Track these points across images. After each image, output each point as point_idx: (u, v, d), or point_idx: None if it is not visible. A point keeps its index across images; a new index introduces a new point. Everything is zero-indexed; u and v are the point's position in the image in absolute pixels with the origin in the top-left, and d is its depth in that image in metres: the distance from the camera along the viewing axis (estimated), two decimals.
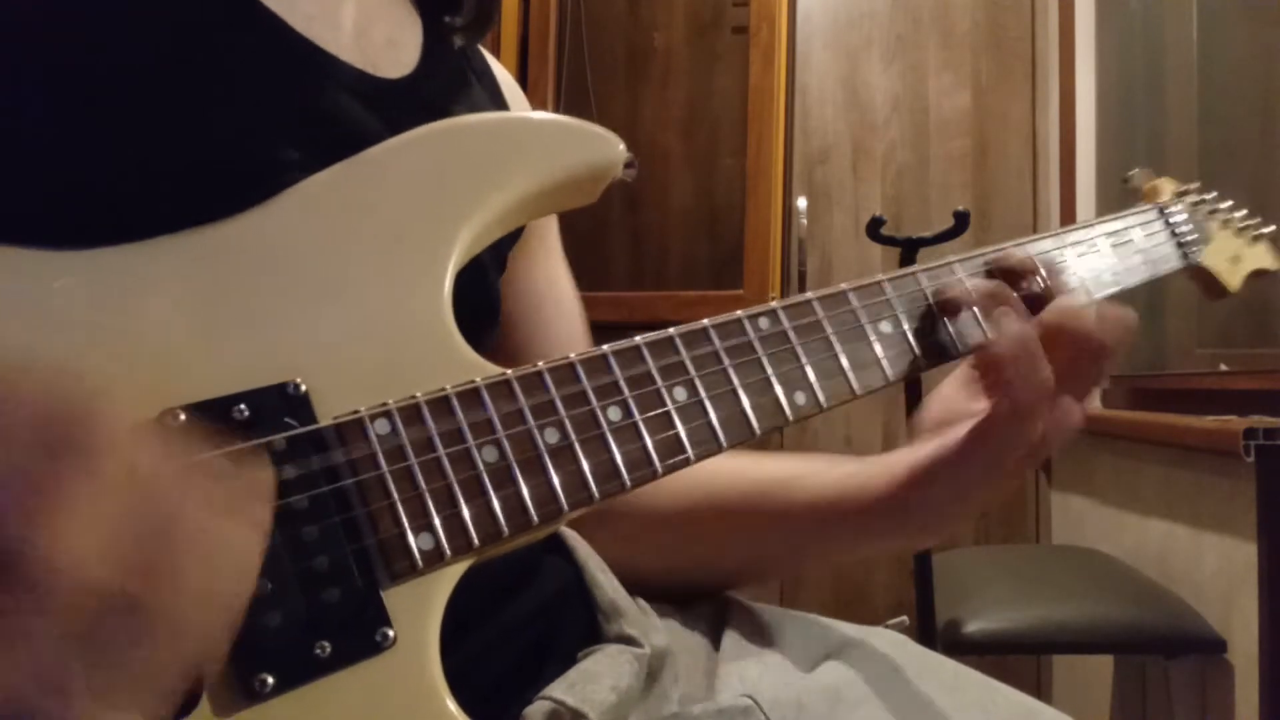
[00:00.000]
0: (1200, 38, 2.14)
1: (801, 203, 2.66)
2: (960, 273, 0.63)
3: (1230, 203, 0.82)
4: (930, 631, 1.67)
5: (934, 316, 0.61)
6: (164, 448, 0.34)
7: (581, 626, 0.62)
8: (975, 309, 0.61)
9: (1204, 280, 0.80)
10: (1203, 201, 0.80)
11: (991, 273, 0.63)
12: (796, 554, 0.73)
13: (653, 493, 0.69)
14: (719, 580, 0.73)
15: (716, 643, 0.67)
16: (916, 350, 0.59)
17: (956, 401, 0.64)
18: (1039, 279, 0.63)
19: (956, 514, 0.64)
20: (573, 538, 0.66)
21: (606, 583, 0.64)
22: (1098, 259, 0.69)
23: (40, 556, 0.29)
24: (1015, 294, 0.61)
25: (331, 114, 0.54)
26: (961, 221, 1.70)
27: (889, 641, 0.68)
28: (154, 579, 0.31)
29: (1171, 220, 0.77)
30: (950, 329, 0.61)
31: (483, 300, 0.63)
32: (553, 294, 0.75)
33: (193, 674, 0.33)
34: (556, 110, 2.51)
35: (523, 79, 2.69)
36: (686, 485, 0.69)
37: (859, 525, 0.67)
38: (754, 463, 0.72)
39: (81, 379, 0.32)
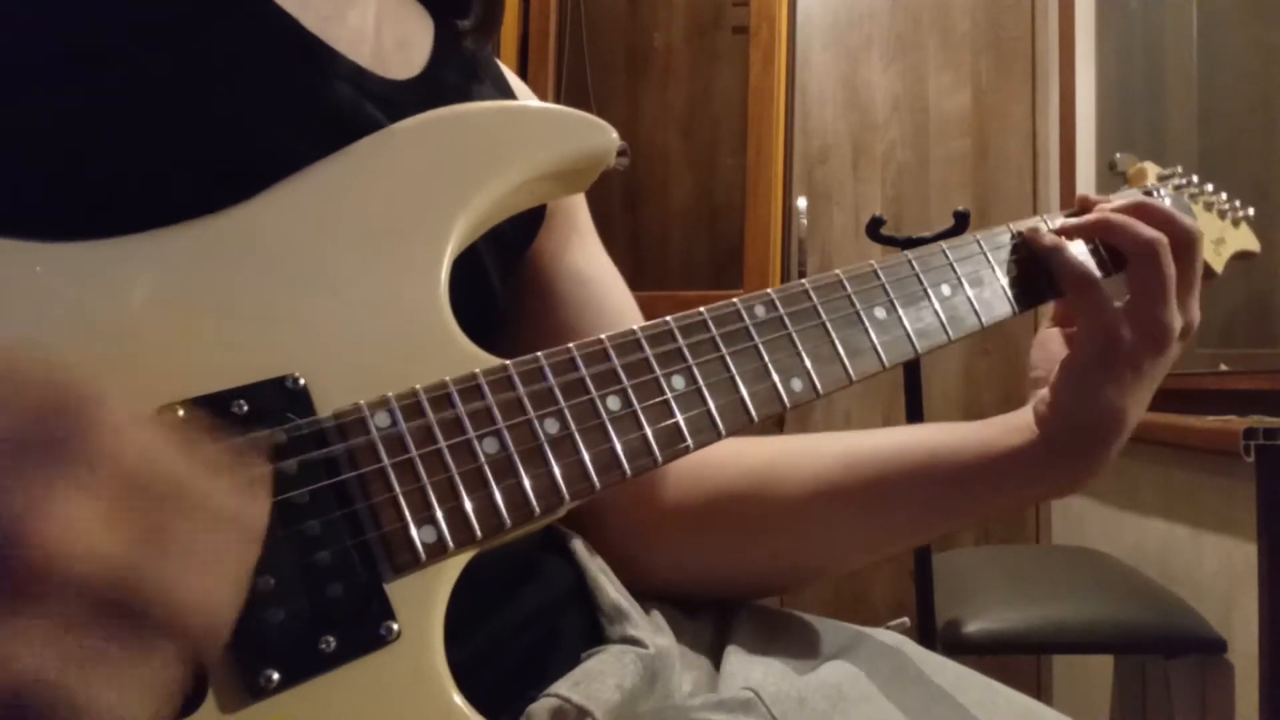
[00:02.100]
0: (1200, 38, 2.14)
1: (801, 203, 2.66)
2: (985, 246, 0.66)
3: (1211, 186, 0.82)
4: (930, 631, 1.67)
5: (926, 301, 0.61)
6: (160, 433, 0.34)
7: (584, 629, 0.61)
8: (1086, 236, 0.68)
9: None
10: (1185, 185, 0.81)
11: (1019, 245, 0.68)
12: (941, 517, 0.71)
13: (686, 479, 0.69)
14: (754, 583, 0.72)
15: (720, 644, 0.67)
16: (910, 335, 0.60)
17: (1053, 357, 0.68)
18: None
19: (1110, 422, 0.66)
20: (572, 539, 0.66)
21: (609, 585, 0.63)
22: (1084, 243, 0.69)
23: (35, 549, 0.29)
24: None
25: (339, 112, 0.54)
26: (961, 221, 1.70)
27: (889, 642, 0.68)
28: (152, 564, 0.31)
29: None
30: (941, 317, 0.61)
31: (482, 299, 0.63)
32: (595, 271, 0.74)
33: (195, 659, 0.33)
34: None
35: (522, 79, 2.68)
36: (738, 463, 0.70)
37: (1007, 477, 0.67)
38: (864, 436, 0.72)
39: (75, 367, 0.32)
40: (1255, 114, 2.04)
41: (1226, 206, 0.82)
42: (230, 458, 0.36)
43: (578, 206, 0.76)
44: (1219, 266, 0.81)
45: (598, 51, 2.81)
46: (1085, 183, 2.46)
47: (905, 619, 1.78)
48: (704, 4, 2.77)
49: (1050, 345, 0.71)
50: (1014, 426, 0.68)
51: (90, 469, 0.30)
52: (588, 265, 0.74)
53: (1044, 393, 0.67)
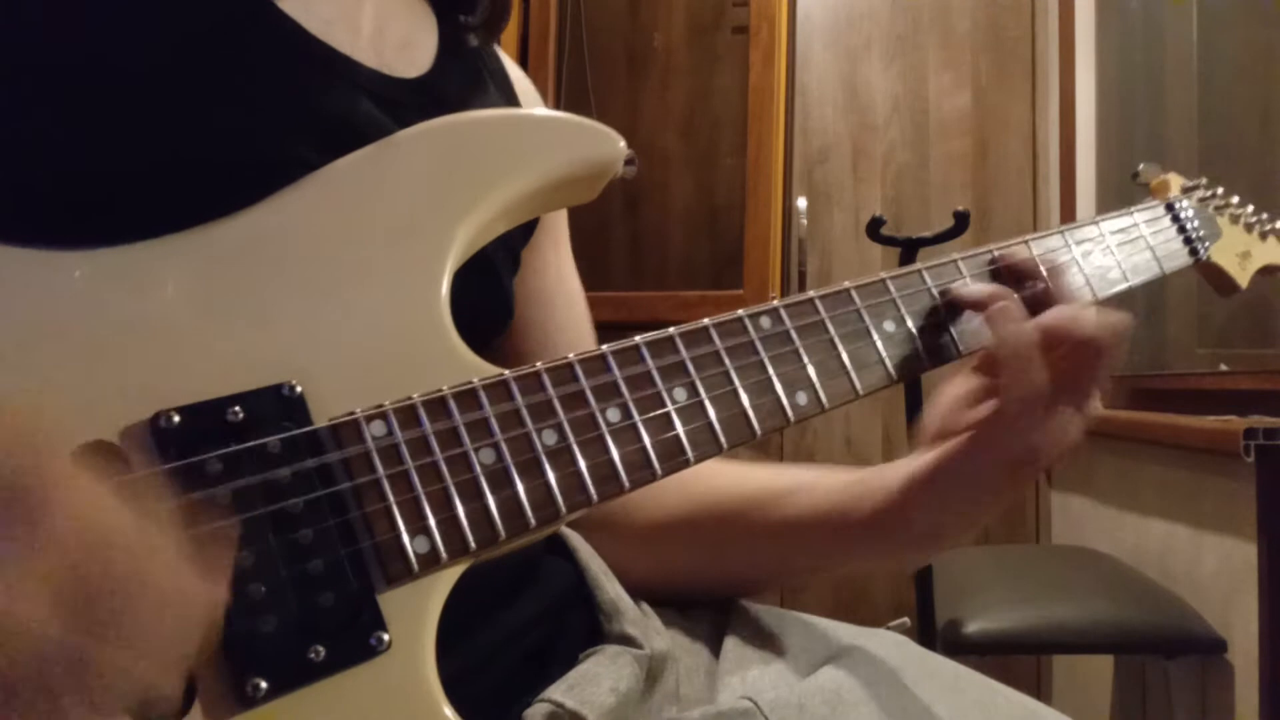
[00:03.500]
0: (1200, 38, 2.14)
1: (801, 203, 2.66)
2: (965, 271, 0.62)
3: (1238, 198, 0.80)
4: (930, 632, 1.67)
5: (938, 315, 0.60)
6: (113, 510, 0.35)
7: (583, 628, 0.61)
8: (977, 310, 0.60)
9: (1213, 276, 0.79)
10: (1211, 197, 0.79)
11: (996, 272, 0.63)
12: (793, 567, 0.72)
13: (648, 501, 0.69)
14: (715, 590, 0.72)
15: (718, 645, 0.67)
16: (920, 350, 0.59)
17: (954, 413, 0.63)
18: (1041, 281, 0.62)
19: (958, 528, 0.63)
20: (574, 539, 0.66)
21: (608, 584, 0.64)
22: (1105, 256, 0.68)
23: None
24: (1016, 295, 0.60)
25: (344, 114, 0.54)
26: (961, 221, 1.70)
27: (889, 643, 0.67)
28: (97, 635, 0.32)
29: (1180, 216, 0.76)
30: (952, 330, 0.60)
31: (495, 301, 0.63)
32: (564, 295, 0.74)
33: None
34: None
35: None
36: (682, 495, 0.69)
37: (856, 540, 0.66)
38: (750, 473, 0.71)
39: (35, 423, 0.33)
40: (1255, 114, 2.04)
41: (1254, 219, 0.81)
42: (189, 519, 0.37)
43: (560, 216, 0.76)
44: (1244, 281, 0.79)
45: (598, 51, 2.81)
46: (1085, 182, 2.46)
47: (905, 619, 1.78)
48: (704, 4, 2.77)
49: (963, 411, 0.62)
50: (868, 494, 0.64)
51: (41, 549, 0.31)
52: (559, 288, 0.74)
53: (933, 464, 0.61)
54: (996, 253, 0.64)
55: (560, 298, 0.74)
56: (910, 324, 0.59)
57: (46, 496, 0.32)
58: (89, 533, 0.33)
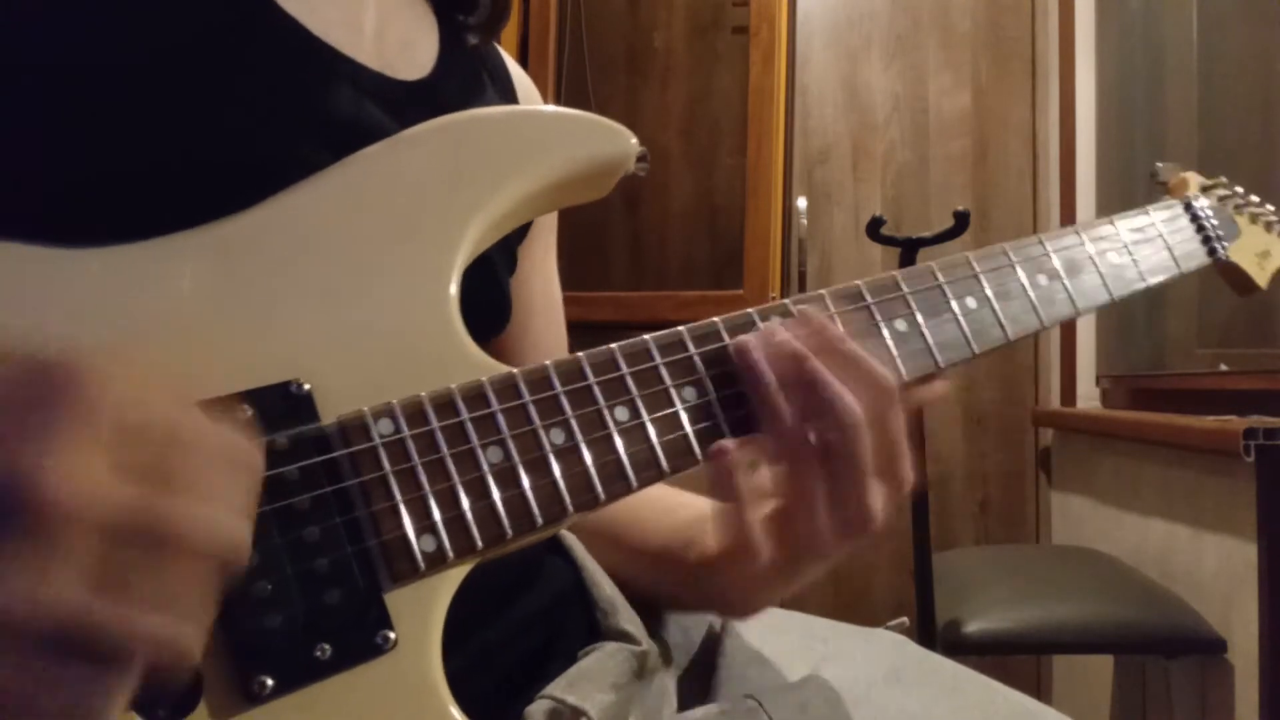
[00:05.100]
0: (1200, 38, 2.14)
1: (801, 203, 2.66)
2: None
3: (1258, 198, 0.79)
4: (930, 632, 1.67)
5: (951, 314, 0.59)
6: (148, 381, 0.35)
7: (582, 627, 0.62)
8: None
9: (1232, 276, 0.78)
10: (1230, 195, 0.78)
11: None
12: (652, 593, 0.66)
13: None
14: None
15: (718, 643, 0.67)
16: (932, 349, 0.58)
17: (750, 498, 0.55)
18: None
19: (766, 596, 0.57)
20: (570, 539, 0.66)
21: (605, 583, 0.64)
22: (1121, 255, 0.67)
23: (50, 497, 0.30)
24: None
25: (346, 116, 0.54)
26: (961, 221, 1.70)
27: (889, 643, 0.68)
28: (160, 496, 0.32)
29: (1198, 215, 0.75)
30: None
31: (493, 300, 0.63)
32: (546, 302, 0.74)
33: (217, 582, 0.34)
34: None
35: None
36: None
37: (682, 583, 0.63)
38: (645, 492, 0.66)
39: (67, 345, 0.33)
40: (1255, 114, 2.04)
41: (1275, 218, 0.80)
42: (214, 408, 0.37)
43: (551, 221, 0.76)
44: (1263, 281, 0.78)
45: (598, 51, 2.81)
46: (1085, 183, 2.46)
47: (904, 619, 1.78)
48: (704, 4, 2.77)
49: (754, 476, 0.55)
50: (699, 540, 0.60)
51: (88, 417, 0.32)
52: (543, 295, 0.74)
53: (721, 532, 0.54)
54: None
55: (542, 308, 0.74)
56: (922, 321, 0.58)
57: (77, 371, 0.32)
58: (127, 394, 0.33)
